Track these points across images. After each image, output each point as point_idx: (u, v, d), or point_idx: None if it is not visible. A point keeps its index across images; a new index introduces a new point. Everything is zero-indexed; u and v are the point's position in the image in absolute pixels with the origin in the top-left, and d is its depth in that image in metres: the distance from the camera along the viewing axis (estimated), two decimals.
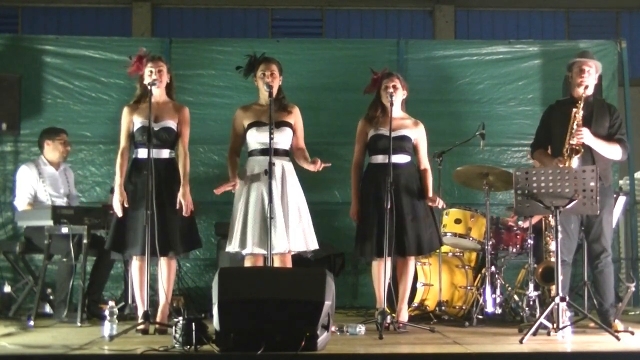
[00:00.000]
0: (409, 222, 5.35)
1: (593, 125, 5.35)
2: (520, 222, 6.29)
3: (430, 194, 5.50)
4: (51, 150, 6.31)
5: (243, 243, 5.13)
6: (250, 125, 5.24)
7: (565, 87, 7.09)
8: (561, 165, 5.18)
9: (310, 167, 5.22)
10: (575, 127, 5.28)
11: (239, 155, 5.38)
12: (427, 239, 5.43)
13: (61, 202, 6.26)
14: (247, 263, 5.21)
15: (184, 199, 5.20)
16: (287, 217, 5.16)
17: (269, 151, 5.01)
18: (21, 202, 6.22)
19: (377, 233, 5.28)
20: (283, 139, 5.26)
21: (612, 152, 5.41)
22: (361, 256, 5.57)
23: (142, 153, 5.22)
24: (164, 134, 5.24)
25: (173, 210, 5.19)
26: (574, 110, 5.31)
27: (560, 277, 4.95)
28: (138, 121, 5.23)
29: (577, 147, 5.26)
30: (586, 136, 5.26)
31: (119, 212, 5.17)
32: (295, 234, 5.19)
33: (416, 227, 5.39)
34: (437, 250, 5.99)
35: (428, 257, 6.04)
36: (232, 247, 5.20)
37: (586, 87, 5.37)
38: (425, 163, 5.59)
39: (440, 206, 5.53)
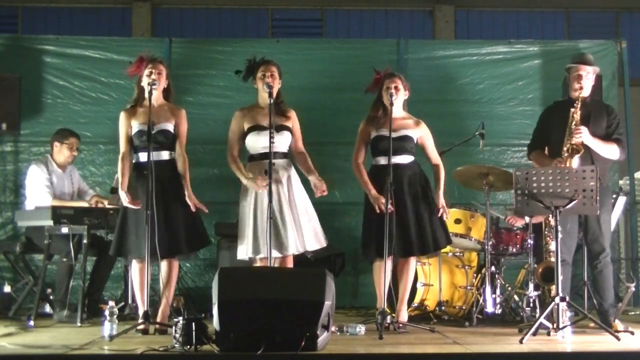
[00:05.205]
0: (413, 223, 5.34)
1: (591, 125, 5.37)
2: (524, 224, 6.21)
3: (441, 190, 5.46)
4: (57, 152, 6.33)
5: (256, 249, 5.10)
6: (250, 130, 5.25)
7: (565, 88, 7.11)
8: (561, 166, 5.19)
9: (313, 182, 5.24)
10: (573, 126, 5.29)
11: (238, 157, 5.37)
12: (431, 237, 5.40)
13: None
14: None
15: (190, 201, 5.20)
16: (298, 218, 5.20)
17: (269, 154, 5.03)
18: (37, 199, 6.15)
19: (380, 234, 5.28)
20: (284, 143, 5.28)
21: (610, 151, 5.42)
22: (365, 257, 5.59)
23: (142, 157, 5.21)
24: (161, 137, 5.23)
25: (178, 211, 5.20)
26: (572, 110, 5.33)
27: (560, 277, 4.95)
28: (136, 125, 5.23)
29: (577, 147, 5.27)
30: (585, 135, 5.27)
31: (134, 208, 5.13)
32: (308, 233, 5.23)
33: (419, 227, 5.37)
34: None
35: (427, 257, 6.04)
36: (246, 253, 5.18)
37: (582, 89, 5.41)
38: (435, 159, 5.58)
39: (444, 217, 5.46)
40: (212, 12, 12.65)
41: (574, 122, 5.31)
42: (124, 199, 5.14)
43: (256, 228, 5.12)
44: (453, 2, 12.67)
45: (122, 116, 5.31)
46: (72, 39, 7.60)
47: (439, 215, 5.41)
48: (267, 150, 5.05)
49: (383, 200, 5.20)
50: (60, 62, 7.30)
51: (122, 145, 5.30)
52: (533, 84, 7.47)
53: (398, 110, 5.47)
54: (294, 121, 5.39)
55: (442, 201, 5.44)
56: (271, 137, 5.02)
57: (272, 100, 5.10)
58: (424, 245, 5.39)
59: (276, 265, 5.12)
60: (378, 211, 5.25)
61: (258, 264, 5.19)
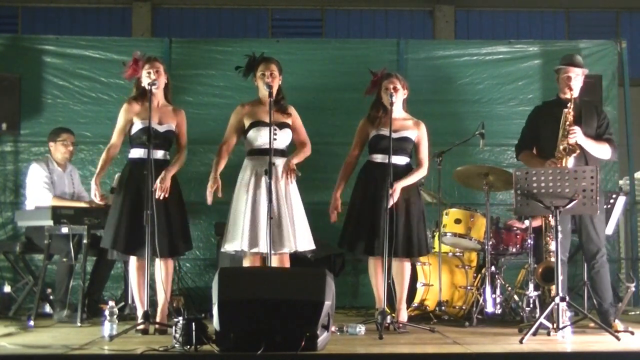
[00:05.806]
0: (402, 224, 5.33)
1: (582, 125, 5.39)
2: (526, 222, 6.18)
3: (402, 184, 5.30)
4: (54, 151, 6.34)
5: (253, 243, 5.08)
6: (251, 125, 5.25)
7: None
8: (557, 166, 5.20)
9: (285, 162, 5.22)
10: (567, 127, 5.30)
11: (228, 154, 5.35)
12: (417, 242, 5.42)
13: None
14: (246, 263, 5.20)
15: (163, 181, 5.12)
16: (293, 216, 5.20)
17: (269, 151, 5.01)
18: (38, 198, 6.15)
19: (371, 231, 5.28)
20: (284, 140, 5.29)
21: (603, 151, 5.45)
22: (347, 250, 5.61)
23: (137, 153, 5.23)
24: (165, 136, 5.26)
25: (174, 211, 5.22)
26: (565, 111, 5.34)
27: (560, 277, 4.95)
28: (138, 121, 5.22)
29: (572, 147, 5.28)
30: (578, 135, 5.28)
31: (99, 203, 5.27)
32: (302, 233, 5.23)
33: (408, 229, 5.37)
34: (437, 250, 6.00)
35: (427, 257, 6.04)
36: (239, 245, 5.12)
37: (572, 90, 5.42)
38: (422, 161, 5.53)
39: (389, 203, 5.20)
40: (212, 12, 12.66)
41: (567, 123, 5.31)
42: (94, 191, 5.15)
43: (254, 223, 5.08)
44: (453, 2, 12.68)
45: (126, 108, 5.30)
46: (72, 39, 7.59)
47: (390, 194, 5.19)
48: (267, 147, 5.05)
49: (336, 210, 5.44)
50: (60, 62, 7.30)
51: (115, 136, 5.32)
52: (533, 84, 7.47)
53: (398, 110, 5.47)
54: (294, 117, 5.40)
55: (397, 189, 5.24)
56: (272, 136, 5.02)
57: (272, 100, 5.11)
58: (409, 249, 5.39)
59: (273, 264, 5.11)
60: (333, 215, 5.45)
61: (248, 259, 5.16)
